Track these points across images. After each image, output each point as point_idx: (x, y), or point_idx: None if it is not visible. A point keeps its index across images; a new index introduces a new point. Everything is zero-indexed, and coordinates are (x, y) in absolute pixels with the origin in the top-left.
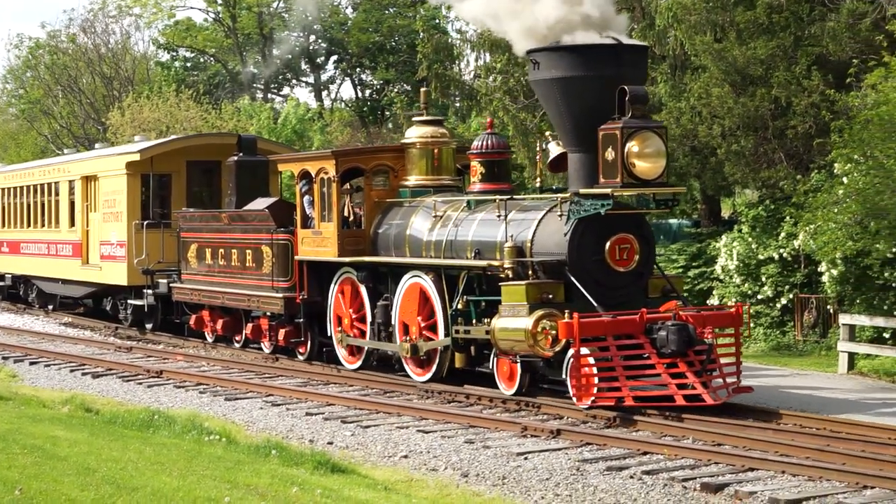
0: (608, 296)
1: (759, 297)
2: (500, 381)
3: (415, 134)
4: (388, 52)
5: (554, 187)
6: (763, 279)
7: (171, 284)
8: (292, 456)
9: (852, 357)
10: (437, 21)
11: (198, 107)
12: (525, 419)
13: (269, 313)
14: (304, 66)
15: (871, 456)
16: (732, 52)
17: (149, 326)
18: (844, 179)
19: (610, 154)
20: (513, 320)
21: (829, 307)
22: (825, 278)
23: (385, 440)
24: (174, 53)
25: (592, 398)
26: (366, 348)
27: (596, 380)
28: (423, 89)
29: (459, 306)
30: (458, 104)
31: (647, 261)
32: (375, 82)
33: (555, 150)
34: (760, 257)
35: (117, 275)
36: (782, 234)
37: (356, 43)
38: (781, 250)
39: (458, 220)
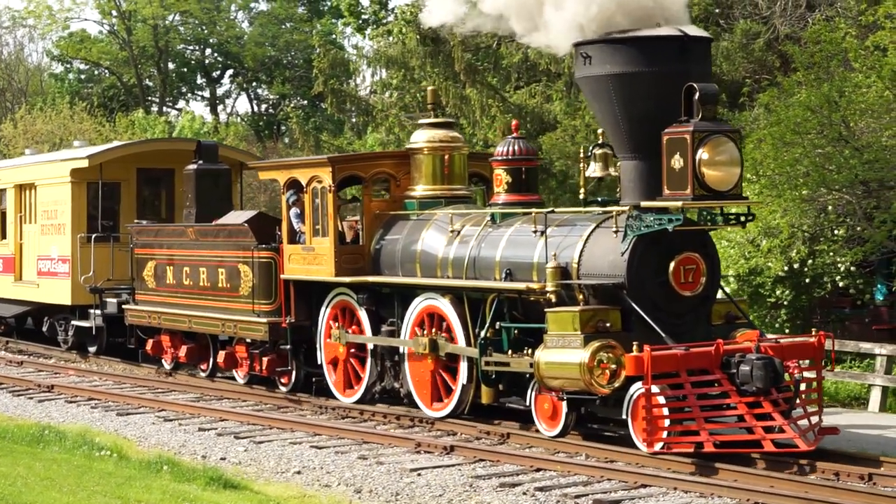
0: (670, 324)
1: None
2: (539, 421)
3: (422, 138)
4: (284, 66)
5: (600, 199)
6: None
7: (123, 306)
8: (184, 472)
9: None
10: (334, 36)
11: (92, 119)
12: (419, 435)
13: (248, 340)
14: (199, 80)
15: (762, 473)
16: None
17: (92, 350)
18: None
19: (677, 162)
20: (563, 353)
21: None
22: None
23: (278, 456)
24: (68, 65)
25: (662, 443)
26: (364, 382)
27: (667, 422)
28: (430, 88)
29: (488, 334)
30: (353, 119)
31: (712, 283)
32: (271, 97)
33: (596, 170)
34: None
35: (59, 293)
36: None
37: (252, 57)
38: None
39: (481, 237)
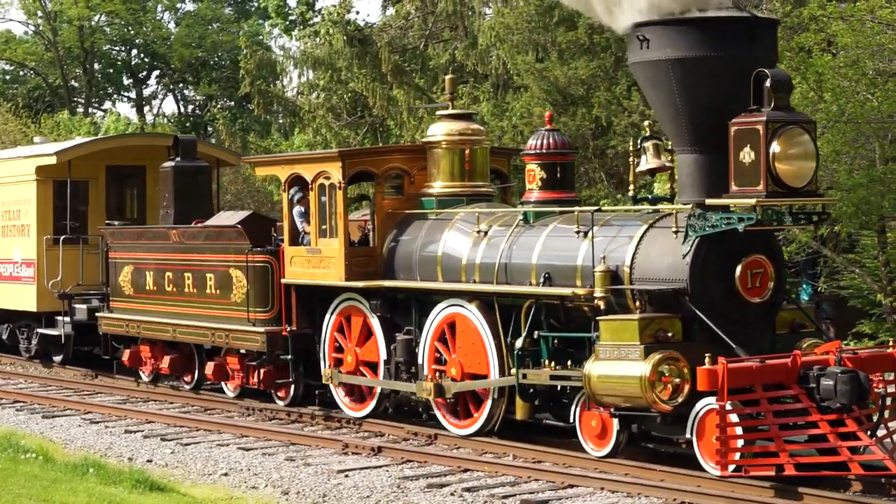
0: (735, 333)
1: None
2: (585, 440)
3: (440, 131)
4: (210, 67)
5: (650, 197)
6: None
7: (97, 313)
8: (110, 474)
9: None
10: (261, 37)
11: (17, 120)
12: (346, 436)
13: (242, 351)
14: (125, 81)
15: (689, 473)
16: (554, 72)
17: (57, 359)
18: None
19: (747, 155)
20: (619, 365)
21: None
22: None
23: (205, 458)
24: None
25: (733, 465)
26: (378, 392)
27: (740, 442)
28: (448, 77)
29: (522, 343)
30: (280, 120)
31: (779, 289)
32: (198, 98)
33: (648, 161)
34: None
35: (23, 299)
36: None
37: (179, 58)
38: None
39: (513, 238)
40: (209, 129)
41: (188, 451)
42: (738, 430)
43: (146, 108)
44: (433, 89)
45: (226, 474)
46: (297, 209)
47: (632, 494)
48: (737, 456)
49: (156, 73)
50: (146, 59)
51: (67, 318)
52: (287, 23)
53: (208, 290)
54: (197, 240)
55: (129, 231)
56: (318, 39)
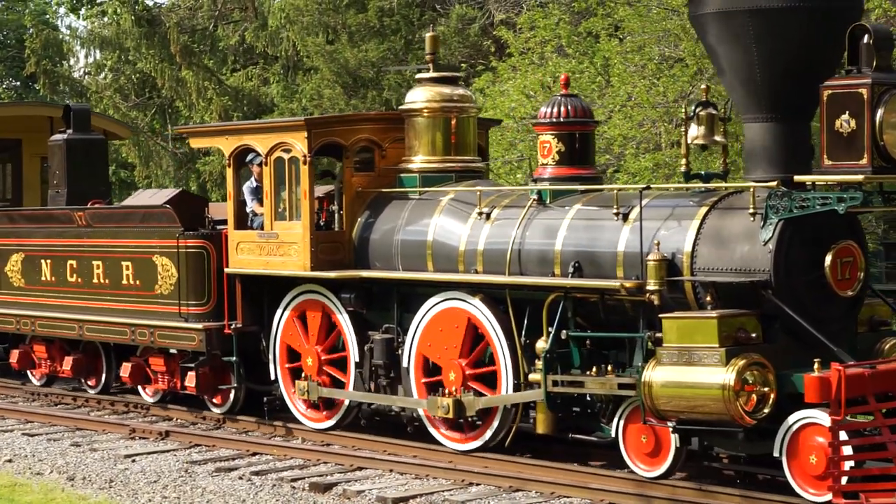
0: (823, 334)
1: None
2: (631, 459)
3: (421, 97)
4: None
5: (703, 173)
6: None
7: None
8: None
9: None
10: (47, 16)
11: None
12: (133, 421)
13: (172, 350)
14: None
15: (477, 455)
16: (344, 55)
17: None
18: None
19: (846, 124)
20: (690, 371)
21: None
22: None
23: None
24: None
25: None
26: (345, 403)
27: (848, 464)
28: (428, 34)
29: (550, 345)
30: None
31: (866, 280)
32: None
33: (702, 132)
34: None
35: None
36: None
37: None
38: None
39: (527, 221)
40: None
41: None
42: (848, 450)
43: None
44: (222, 71)
45: (9, 461)
46: (249, 184)
47: (420, 476)
48: (843, 480)
49: None
50: None
51: None
52: (74, 2)
53: (125, 281)
54: (110, 223)
55: (18, 214)
56: (105, 19)
